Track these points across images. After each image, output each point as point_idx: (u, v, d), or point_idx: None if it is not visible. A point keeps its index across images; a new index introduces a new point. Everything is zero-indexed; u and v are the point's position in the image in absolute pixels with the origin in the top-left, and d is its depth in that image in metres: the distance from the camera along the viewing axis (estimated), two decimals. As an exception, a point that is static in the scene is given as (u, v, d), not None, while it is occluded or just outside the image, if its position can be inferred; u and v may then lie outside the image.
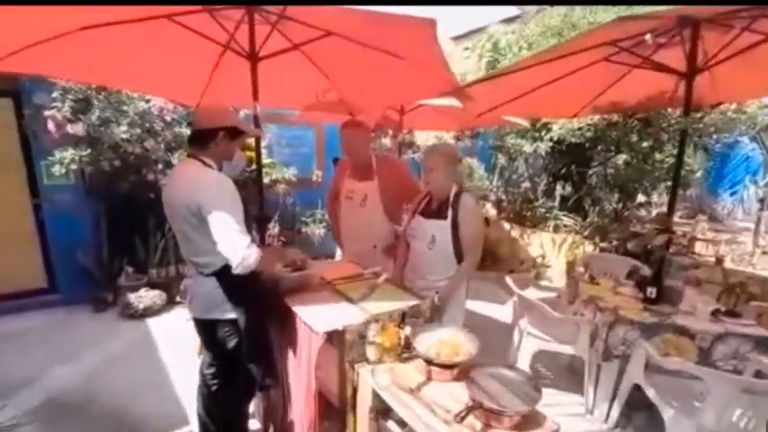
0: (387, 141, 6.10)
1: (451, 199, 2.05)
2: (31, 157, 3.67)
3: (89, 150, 3.53)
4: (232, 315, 1.63)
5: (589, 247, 4.48)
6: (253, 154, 4.98)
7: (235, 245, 1.45)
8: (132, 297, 3.73)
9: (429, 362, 1.38)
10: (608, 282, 2.71)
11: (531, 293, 2.75)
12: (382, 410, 1.40)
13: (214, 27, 2.13)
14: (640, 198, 5.45)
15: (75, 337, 3.31)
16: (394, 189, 2.42)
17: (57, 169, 3.47)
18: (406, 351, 1.51)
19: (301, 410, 1.64)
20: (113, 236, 3.96)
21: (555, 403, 2.50)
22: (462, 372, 1.36)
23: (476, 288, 4.45)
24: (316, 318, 1.53)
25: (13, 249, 3.76)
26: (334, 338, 1.49)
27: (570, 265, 4.35)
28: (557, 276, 4.68)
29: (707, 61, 2.26)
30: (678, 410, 1.88)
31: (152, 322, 3.64)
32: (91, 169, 3.68)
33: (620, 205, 5.41)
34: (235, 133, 1.66)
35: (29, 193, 3.74)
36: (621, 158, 5.12)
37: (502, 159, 6.00)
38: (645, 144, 4.59)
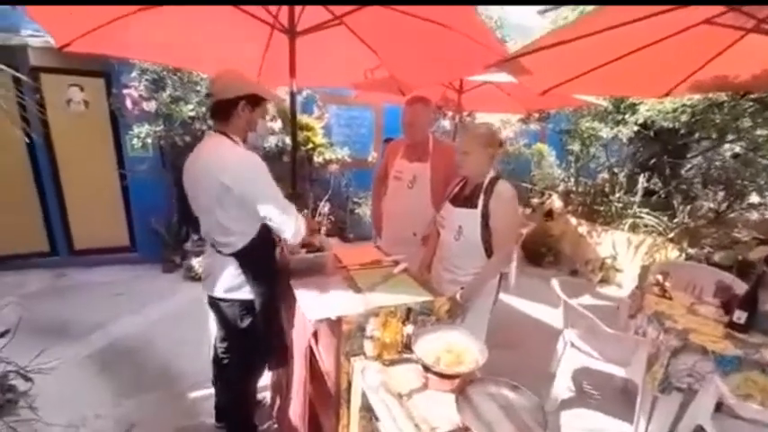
0: (446, 123, 5.80)
1: (485, 186, 1.82)
2: (118, 132, 4.15)
3: (162, 126, 3.86)
4: (248, 296, 1.64)
5: (673, 253, 3.80)
6: (308, 134, 5.05)
7: (288, 217, 1.53)
8: (195, 261, 4.08)
9: (426, 367, 1.24)
10: (686, 297, 2.25)
11: (586, 301, 2.39)
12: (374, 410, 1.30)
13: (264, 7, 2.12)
14: (753, 199, 4.48)
15: (145, 291, 3.74)
16: (445, 175, 2.24)
17: (135, 143, 3.87)
18: (406, 351, 1.39)
19: (298, 392, 1.62)
20: (182, 204, 4.34)
21: (598, 429, 2.19)
22: (463, 384, 1.20)
23: (529, 285, 4.11)
24: (312, 303, 1.47)
25: (104, 212, 4.37)
26: (333, 327, 1.42)
27: (645, 271, 3.75)
28: (628, 282, 4.08)
29: None
30: (756, 467, 1.51)
31: (208, 286, 3.97)
32: (164, 143, 4.05)
33: (725, 206, 4.50)
34: (255, 102, 1.60)
35: (116, 163, 4.25)
36: (732, 149, 4.22)
37: (575, 145, 5.33)
38: (760, 132, 3.70)
